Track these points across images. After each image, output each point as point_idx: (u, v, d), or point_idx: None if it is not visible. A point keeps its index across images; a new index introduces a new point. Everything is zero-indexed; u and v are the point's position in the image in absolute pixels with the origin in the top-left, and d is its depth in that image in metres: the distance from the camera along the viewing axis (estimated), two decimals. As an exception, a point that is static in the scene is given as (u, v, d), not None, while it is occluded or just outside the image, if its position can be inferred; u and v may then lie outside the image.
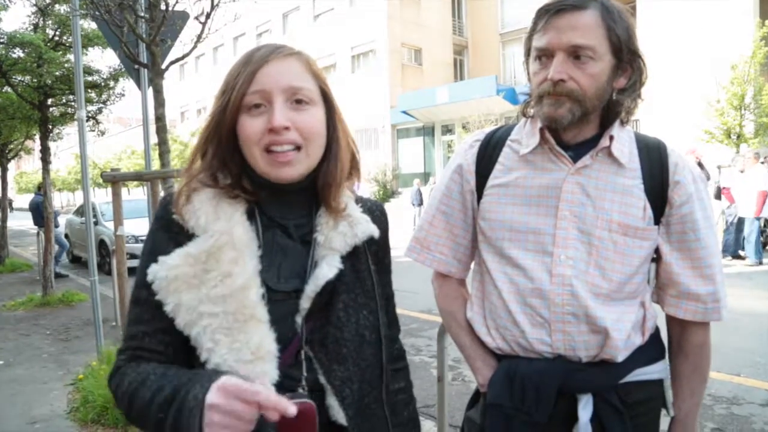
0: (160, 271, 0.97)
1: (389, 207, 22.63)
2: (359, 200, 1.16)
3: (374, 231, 1.12)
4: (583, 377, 1.28)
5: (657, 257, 1.35)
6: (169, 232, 1.02)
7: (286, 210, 1.07)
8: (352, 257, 1.08)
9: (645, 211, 1.28)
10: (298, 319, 1.01)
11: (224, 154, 1.03)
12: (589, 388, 1.29)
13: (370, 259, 1.13)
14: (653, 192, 1.29)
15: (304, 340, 1.01)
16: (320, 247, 1.05)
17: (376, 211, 1.18)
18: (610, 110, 1.29)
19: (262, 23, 31.42)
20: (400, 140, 26.28)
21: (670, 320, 1.38)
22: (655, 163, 1.30)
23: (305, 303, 1.01)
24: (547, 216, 1.30)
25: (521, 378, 1.29)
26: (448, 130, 25.01)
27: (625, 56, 1.24)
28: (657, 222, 1.30)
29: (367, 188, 23.31)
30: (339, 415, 1.00)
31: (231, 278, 0.96)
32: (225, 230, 0.98)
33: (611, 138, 1.28)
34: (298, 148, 1.00)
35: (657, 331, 1.40)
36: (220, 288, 0.95)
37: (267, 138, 0.98)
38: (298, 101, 1.01)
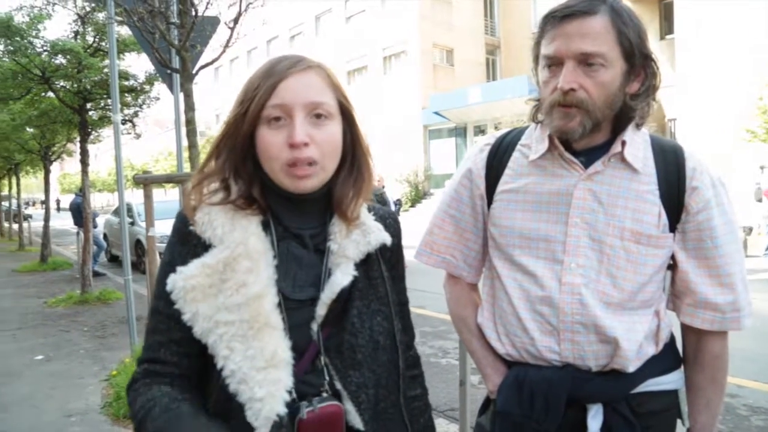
0: (178, 281, 0.99)
1: (421, 208, 22.61)
2: (371, 208, 1.17)
3: (386, 238, 1.13)
4: (593, 387, 1.26)
5: (673, 265, 1.31)
6: (188, 244, 1.04)
7: (301, 219, 1.08)
8: (366, 264, 1.10)
9: (660, 218, 1.24)
10: (314, 327, 1.03)
11: (237, 160, 1.04)
12: (599, 397, 1.26)
13: (384, 266, 1.14)
14: (669, 198, 1.25)
15: (322, 347, 1.03)
16: (334, 255, 1.07)
17: (388, 219, 1.19)
18: (623, 115, 1.25)
19: (294, 26, 31.74)
20: (432, 141, 26.18)
21: (686, 329, 1.34)
22: (671, 168, 1.26)
23: (321, 310, 1.02)
24: (558, 223, 1.28)
25: (530, 386, 1.27)
26: (480, 130, 24.79)
27: (638, 61, 1.20)
28: (673, 229, 1.26)
29: (398, 189, 23.31)
30: (356, 420, 1.01)
31: (246, 287, 0.98)
32: (241, 241, 1.00)
33: (623, 143, 1.25)
34: (315, 162, 1.01)
35: (672, 340, 1.36)
36: (236, 297, 0.97)
37: (287, 153, 0.99)
38: (318, 116, 1.02)
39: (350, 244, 1.07)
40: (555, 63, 1.21)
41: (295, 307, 1.02)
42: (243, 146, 1.03)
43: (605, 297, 1.24)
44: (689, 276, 1.27)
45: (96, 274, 9.96)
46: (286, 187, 1.03)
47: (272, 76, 1.02)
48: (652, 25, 18.26)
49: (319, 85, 1.04)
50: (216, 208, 1.03)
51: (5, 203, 23.82)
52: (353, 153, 1.11)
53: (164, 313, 1.01)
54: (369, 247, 1.09)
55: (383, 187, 10.29)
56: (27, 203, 46.13)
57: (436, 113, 24.16)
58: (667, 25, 18.08)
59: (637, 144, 1.27)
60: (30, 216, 23.74)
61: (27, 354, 5.68)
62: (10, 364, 5.37)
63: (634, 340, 1.24)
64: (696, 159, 1.28)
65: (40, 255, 12.88)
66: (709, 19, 15.79)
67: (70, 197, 12.92)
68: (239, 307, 0.97)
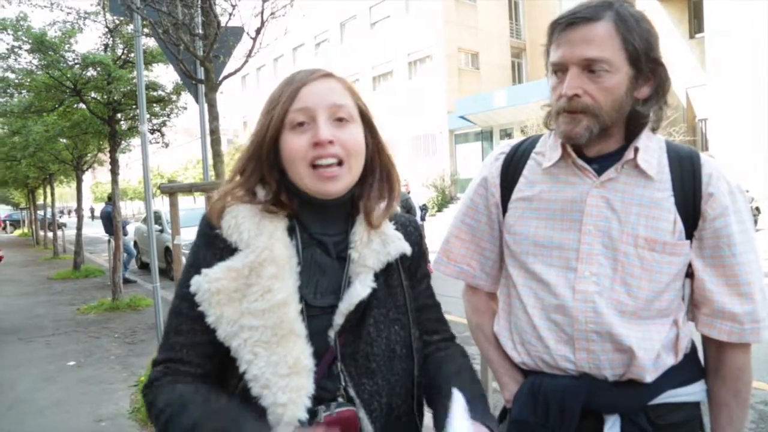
0: (203, 283, 1.00)
1: (447, 213, 22.51)
2: (392, 217, 1.18)
3: (406, 249, 1.14)
4: (609, 397, 1.23)
5: (691, 273, 1.28)
6: (213, 247, 1.05)
7: (326, 226, 1.10)
8: (385, 273, 1.10)
9: (675, 225, 1.22)
10: (331, 334, 1.03)
11: (264, 170, 1.07)
12: (616, 408, 1.23)
13: (403, 275, 1.15)
14: (685, 205, 1.22)
15: (338, 353, 1.03)
16: (354, 264, 1.08)
17: (409, 227, 1.21)
18: (635, 121, 1.24)
19: (319, 33, 32.01)
20: (458, 145, 26.07)
21: (707, 341, 1.30)
22: (686, 174, 1.24)
23: (339, 319, 1.03)
24: (571, 231, 1.26)
25: (545, 395, 1.26)
26: (506, 134, 24.60)
27: (645, 65, 1.19)
28: (689, 236, 1.23)
29: (425, 194, 23.26)
30: (368, 428, 1.02)
31: (271, 293, 0.99)
32: (266, 246, 1.02)
33: (636, 150, 1.23)
34: (340, 163, 1.04)
35: (694, 350, 1.33)
36: (261, 303, 0.99)
37: (312, 152, 1.02)
38: (340, 119, 1.05)
39: (371, 253, 1.08)
40: (561, 69, 1.22)
41: (315, 313, 1.04)
42: (269, 154, 1.06)
43: (620, 305, 1.22)
44: (706, 284, 1.24)
45: (126, 281, 10.15)
46: (312, 191, 1.04)
47: (294, 83, 1.06)
48: (681, 24, 17.90)
49: (339, 89, 1.08)
50: (242, 213, 1.05)
51: (41, 212, 24.51)
52: (380, 161, 1.13)
53: (188, 315, 1.03)
54: (389, 257, 1.10)
55: (409, 192, 10.27)
56: (61, 212, 47.38)
57: (462, 117, 24.06)
58: (696, 24, 17.69)
59: (651, 150, 1.25)
60: (64, 224, 24.33)
61: (60, 360, 5.82)
62: (45, 369, 5.51)
63: (651, 349, 1.22)
64: (712, 165, 1.25)
65: (73, 263, 13.19)
66: (739, 17, 15.41)
67: (102, 206, 13.18)
68: (263, 312, 0.98)
